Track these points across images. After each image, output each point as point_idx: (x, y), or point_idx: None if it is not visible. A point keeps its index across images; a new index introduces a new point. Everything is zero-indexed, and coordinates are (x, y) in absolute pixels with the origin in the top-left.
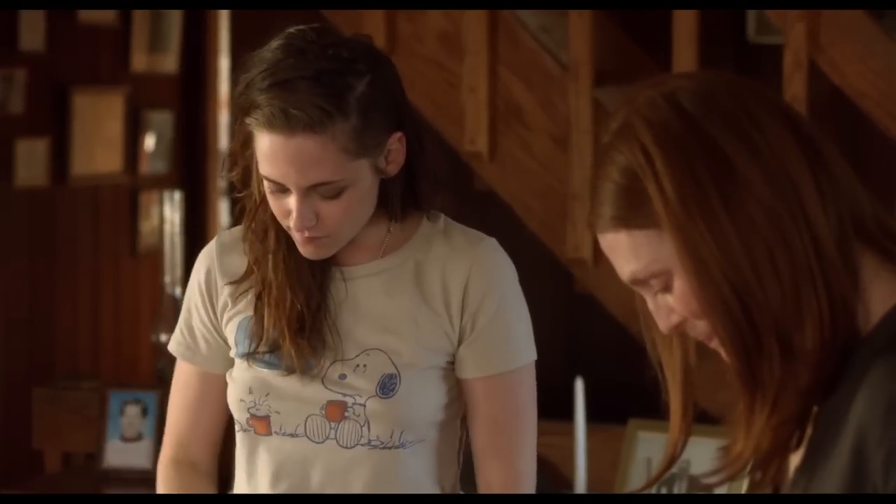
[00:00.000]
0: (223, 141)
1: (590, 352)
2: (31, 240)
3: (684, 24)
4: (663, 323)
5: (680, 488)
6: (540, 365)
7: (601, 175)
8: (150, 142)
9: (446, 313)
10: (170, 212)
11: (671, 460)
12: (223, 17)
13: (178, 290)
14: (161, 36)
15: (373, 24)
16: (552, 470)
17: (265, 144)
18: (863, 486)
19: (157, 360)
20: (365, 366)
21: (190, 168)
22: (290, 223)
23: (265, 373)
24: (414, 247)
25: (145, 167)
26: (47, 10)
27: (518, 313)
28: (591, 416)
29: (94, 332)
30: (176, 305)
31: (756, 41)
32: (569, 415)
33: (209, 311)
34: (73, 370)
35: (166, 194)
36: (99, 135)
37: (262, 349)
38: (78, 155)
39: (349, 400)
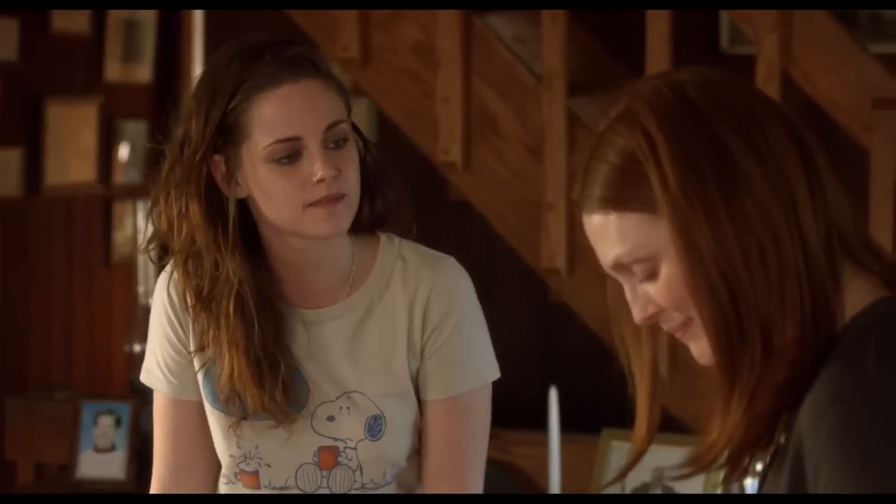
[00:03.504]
0: None
1: (564, 362)
2: (3, 250)
3: (658, 34)
4: (638, 312)
5: None
6: (514, 375)
7: (595, 156)
8: (123, 152)
9: (408, 338)
10: (143, 222)
11: (638, 455)
12: (197, 28)
13: (151, 301)
14: (135, 46)
15: (347, 35)
16: (526, 479)
17: (272, 103)
18: (803, 491)
19: (131, 370)
20: (349, 408)
21: None
22: (311, 187)
23: (250, 424)
24: (374, 279)
25: (119, 177)
26: (20, 19)
27: (477, 332)
28: (565, 426)
29: (68, 342)
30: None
31: (729, 52)
32: (543, 424)
33: (177, 336)
34: (46, 381)
35: (140, 204)
36: (72, 145)
37: (233, 401)
38: (51, 165)
39: (340, 445)
